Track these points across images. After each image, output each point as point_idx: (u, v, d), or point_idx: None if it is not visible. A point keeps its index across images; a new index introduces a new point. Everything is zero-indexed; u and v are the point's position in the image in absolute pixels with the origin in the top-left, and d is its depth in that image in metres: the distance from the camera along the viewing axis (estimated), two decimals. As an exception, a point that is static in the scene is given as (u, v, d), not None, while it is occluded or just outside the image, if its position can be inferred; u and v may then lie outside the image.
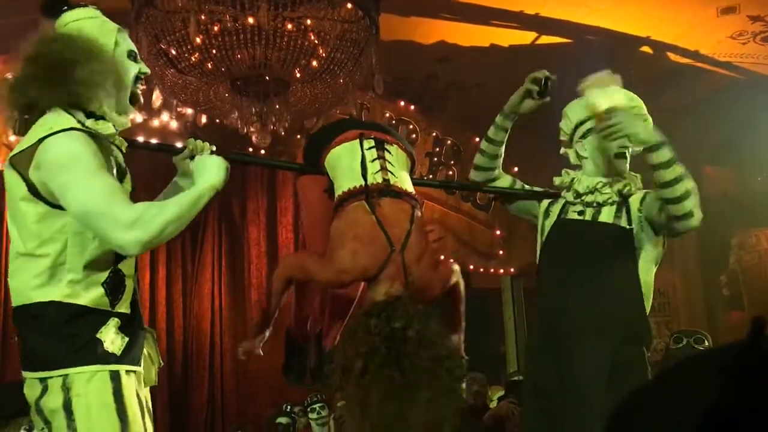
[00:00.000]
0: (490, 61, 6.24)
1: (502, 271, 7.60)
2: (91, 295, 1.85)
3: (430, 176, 6.99)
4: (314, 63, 4.57)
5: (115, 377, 1.84)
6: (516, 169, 2.85)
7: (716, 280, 7.59)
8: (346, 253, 2.40)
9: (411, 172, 2.75)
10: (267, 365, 5.49)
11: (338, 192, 2.53)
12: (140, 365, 1.94)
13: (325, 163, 2.62)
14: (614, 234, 2.55)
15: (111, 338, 1.85)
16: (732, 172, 7.18)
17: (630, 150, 2.63)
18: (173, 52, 4.44)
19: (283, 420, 5.44)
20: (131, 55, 2.05)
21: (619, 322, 2.47)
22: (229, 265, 7.05)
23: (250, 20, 4.27)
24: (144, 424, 1.88)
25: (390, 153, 2.60)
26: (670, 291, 7.58)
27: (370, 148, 2.57)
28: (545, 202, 2.75)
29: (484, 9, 5.72)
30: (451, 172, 7.22)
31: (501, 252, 7.38)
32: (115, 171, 1.91)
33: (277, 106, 4.79)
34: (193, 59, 4.47)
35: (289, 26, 4.36)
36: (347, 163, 2.56)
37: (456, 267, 2.73)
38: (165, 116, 5.77)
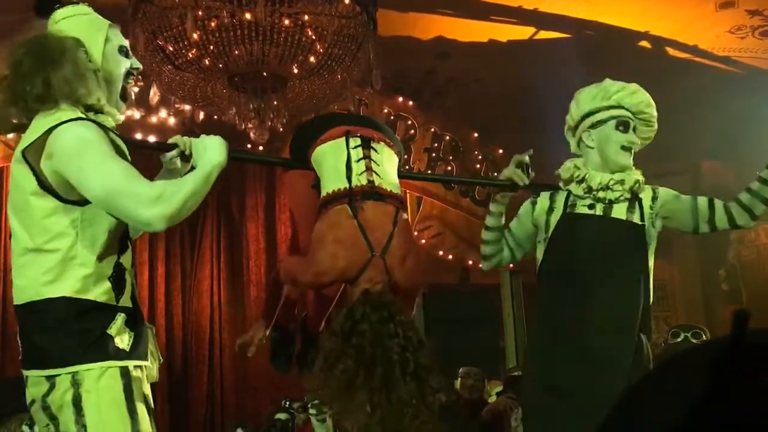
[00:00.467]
0: (489, 56, 6.23)
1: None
2: (100, 290, 1.86)
3: (429, 172, 6.99)
4: (312, 59, 4.56)
5: (125, 373, 1.85)
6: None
7: (715, 274, 7.60)
8: (325, 255, 2.41)
9: (399, 169, 2.74)
10: (266, 361, 5.48)
11: (323, 192, 2.53)
12: (147, 360, 1.95)
13: (311, 159, 2.61)
14: (631, 230, 2.55)
15: (120, 334, 1.86)
16: (730, 167, 7.18)
17: (634, 146, 2.64)
18: (170, 48, 4.43)
19: (281, 416, 5.43)
20: (122, 51, 2.06)
21: (637, 318, 2.49)
22: (228, 262, 7.05)
23: (248, 16, 4.26)
24: (150, 421, 1.89)
25: (376, 151, 2.59)
26: (668, 286, 7.59)
27: (356, 147, 2.56)
28: (543, 202, 2.72)
29: (482, 4, 5.71)
30: (449, 168, 7.22)
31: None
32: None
33: (275, 102, 4.78)
34: (191, 55, 4.46)
35: (287, 22, 4.35)
36: (332, 162, 2.55)
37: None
38: (163, 113, 5.77)
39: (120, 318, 1.88)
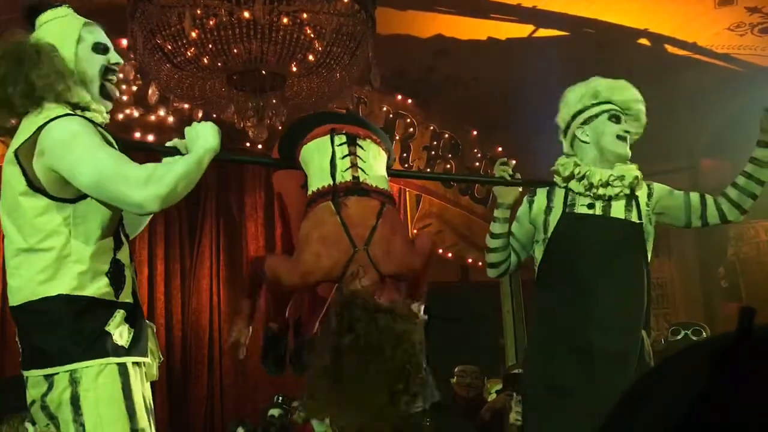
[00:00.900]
0: (488, 54, 6.23)
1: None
2: (97, 286, 1.86)
3: (428, 170, 6.98)
4: (311, 57, 4.56)
5: (124, 372, 1.85)
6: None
7: (714, 271, 7.60)
8: (309, 255, 2.42)
9: (389, 165, 2.74)
10: (266, 360, 5.49)
11: (309, 191, 2.54)
12: (147, 356, 1.95)
13: (299, 158, 2.62)
14: (630, 229, 2.56)
15: (119, 330, 1.87)
16: (730, 164, 7.17)
17: (630, 136, 2.64)
18: (169, 47, 4.43)
19: (275, 412, 5.43)
20: (98, 48, 2.04)
21: (642, 315, 2.50)
22: (228, 261, 7.05)
23: (246, 14, 4.26)
24: (148, 419, 1.89)
25: (362, 148, 2.59)
26: (668, 283, 7.59)
27: (341, 144, 2.57)
28: (540, 201, 2.71)
29: (481, 2, 5.71)
30: (448, 166, 7.21)
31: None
32: None
33: (274, 101, 4.78)
34: (189, 54, 4.46)
35: (285, 20, 4.34)
36: (318, 160, 2.56)
37: (431, 238, 2.85)
38: (161, 111, 5.76)
39: (119, 314, 1.88)
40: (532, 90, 5.52)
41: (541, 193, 2.73)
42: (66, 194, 1.85)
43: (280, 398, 5.58)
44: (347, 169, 2.52)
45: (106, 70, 2.05)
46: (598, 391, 2.38)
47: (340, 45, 4.53)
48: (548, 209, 2.68)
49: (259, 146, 5.45)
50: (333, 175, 2.49)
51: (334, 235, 2.42)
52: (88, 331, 1.83)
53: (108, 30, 2.13)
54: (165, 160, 2.12)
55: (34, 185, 1.83)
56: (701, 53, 6.38)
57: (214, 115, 5.10)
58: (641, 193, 2.61)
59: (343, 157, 2.54)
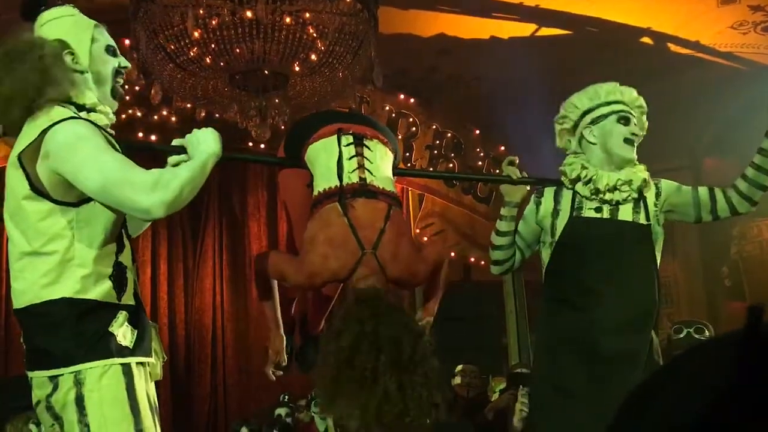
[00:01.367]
0: (490, 53, 6.22)
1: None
2: (100, 289, 1.86)
3: (431, 169, 6.98)
4: (313, 57, 4.56)
5: (128, 372, 1.85)
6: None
7: (717, 270, 7.59)
8: (316, 256, 2.40)
9: (395, 165, 2.73)
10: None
11: (315, 191, 2.52)
12: (151, 356, 1.96)
13: (305, 158, 2.60)
14: (636, 232, 2.56)
15: (122, 331, 1.87)
16: (732, 163, 7.16)
17: (637, 138, 2.64)
18: (172, 46, 4.43)
19: (281, 411, 5.45)
20: (109, 50, 2.06)
21: (651, 317, 2.49)
22: (230, 260, 7.06)
23: (249, 14, 4.26)
24: (153, 419, 1.89)
25: (369, 149, 2.57)
26: (671, 282, 7.58)
27: (348, 145, 2.54)
28: (548, 203, 2.69)
29: (483, 1, 5.71)
30: (451, 165, 7.21)
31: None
32: None
33: (277, 100, 4.78)
34: (192, 54, 4.46)
35: (288, 20, 4.35)
36: (324, 160, 2.54)
37: (443, 247, 2.80)
38: (164, 111, 5.77)
39: (122, 315, 1.88)
40: (535, 89, 5.53)
41: (549, 194, 2.71)
42: (70, 198, 1.85)
43: (287, 397, 5.59)
44: (354, 170, 2.50)
45: (116, 73, 2.06)
46: (605, 392, 2.38)
47: (343, 44, 4.53)
48: (555, 212, 2.67)
49: (262, 146, 5.46)
50: (340, 176, 2.48)
51: (341, 237, 2.41)
52: (91, 333, 1.83)
53: (111, 30, 2.13)
54: (170, 159, 2.12)
55: (38, 189, 1.83)
56: (704, 52, 6.37)
57: (217, 115, 5.11)
58: (649, 193, 2.60)
59: (350, 158, 2.52)
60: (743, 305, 7.21)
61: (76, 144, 1.80)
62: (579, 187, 2.63)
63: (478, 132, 7.41)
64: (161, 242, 6.78)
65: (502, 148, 7.38)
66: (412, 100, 7.04)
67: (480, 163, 7.41)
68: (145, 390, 1.90)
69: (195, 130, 2.01)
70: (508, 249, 2.77)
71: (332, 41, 4.51)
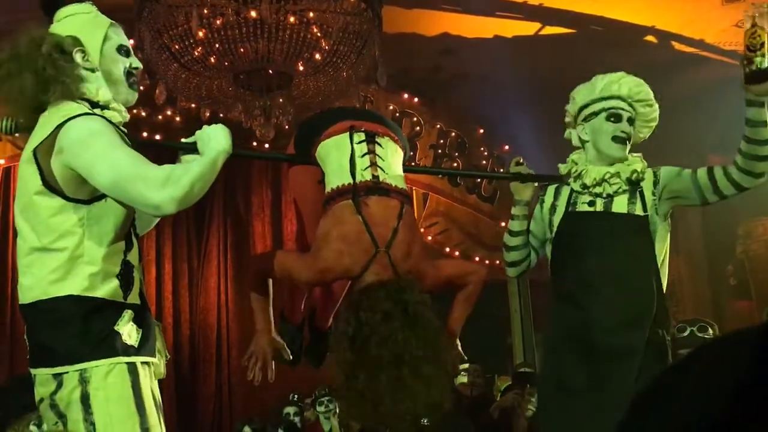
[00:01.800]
0: (494, 52, 6.22)
1: (507, 262, 7.58)
2: (107, 288, 1.87)
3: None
4: (317, 56, 4.57)
5: (133, 370, 1.85)
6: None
7: (722, 269, 7.57)
8: (329, 252, 2.40)
9: (405, 162, 2.73)
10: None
11: (327, 188, 2.52)
12: (155, 356, 1.96)
13: (316, 154, 2.61)
14: (631, 223, 2.53)
15: (128, 330, 1.87)
16: (738, 161, 7.14)
17: (631, 134, 2.62)
18: (176, 46, 4.44)
19: (290, 410, 5.45)
20: (122, 50, 2.06)
21: (649, 312, 2.47)
22: (235, 259, 7.07)
23: (253, 14, 4.27)
24: (158, 417, 1.90)
25: (381, 146, 2.57)
26: (676, 281, 7.57)
27: (360, 142, 2.54)
28: (548, 200, 2.70)
29: (487, 0, 5.71)
30: (455, 164, 7.21)
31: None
32: None
33: (281, 100, 4.79)
34: (196, 53, 4.47)
35: (292, 19, 4.35)
36: (336, 158, 2.54)
37: (474, 267, 2.81)
38: (169, 111, 5.78)
39: (127, 314, 1.89)
40: (539, 88, 5.52)
41: (550, 191, 2.73)
42: (81, 195, 1.85)
43: (296, 396, 5.59)
44: (367, 167, 2.50)
45: (128, 74, 2.07)
46: (605, 389, 2.38)
47: (347, 44, 4.54)
48: (553, 208, 2.68)
49: (266, 145, 5.46)
50: (353, 174, 2.48)
51: (355, 234, 2.40)
52: (96, 331, 1.83)
53: (115, 30, 2.14)
54: (184, 158, 2.13)
55: (50, 185, 1.84)
56: (708, 50, 6.36)
57: (221, 115, 5.12)
58: (646, 183, 2.58)
59: (363, 156, 2.51)
60: (748, 304, 7.19)
61: (89, 140, 1.81)
62: (572, 182, 2.65)
63: (482, 131, 7.41)
64: (166, 242, 6.79)
65: (507, 147, 7.38)
66: (415, 100, 7.05)
67: (484, 162, 7.40)
68: (150, 388, 1.90)
69: (205, 127, 2.02)
70: (523, 249, 2.77)
71: (336, 41, 4.51)
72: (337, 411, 5.15)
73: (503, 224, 7.45)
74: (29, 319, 1.90)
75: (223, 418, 6.74)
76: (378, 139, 2.57)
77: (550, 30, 6.06)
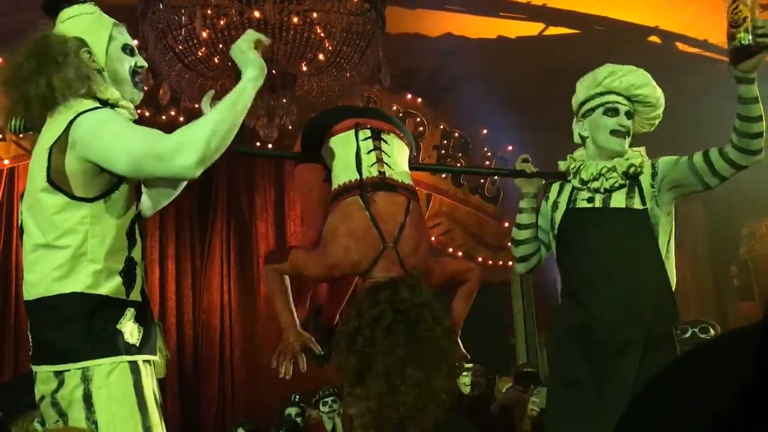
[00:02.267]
0: (498, 52, 6.22)
1: (510, 263, 7.59)
2: (110, 285, 1.87)
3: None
4: (321, 56, 4.57)
5: (135, 369, 1.86)
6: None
7: (726, 270, 7.56)
8: (337, 248, 2.41)
9: (410, 159, 2.73)
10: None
11: (334, 185, 2.53)
12: (156, 354, 1.97)
13: (322, 152, 2.61)
14: (630, 218, 2.53)
15: (129, 329, 1.88)
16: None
17: (630, 128, 2.61)
18: (179, 47, 4.45)
19: (292, 410, 5.45)
20: (126, 49, 2.08)
21: (651, 306, 2.47)
22: (238, 259, 7.07)
23: (256, 14, 4.28)
24: (159, 416, 1.90)
25: (387, 143, 2.58)
26: (680, 281, 7.54)
27: (365, 139, 2.55)
28: (551, 196, 2.72)
29: (491, 0, 5.71)
30: (459, 165, 7.21)
31: (509, 244, 7.36)
32: None
33: (284, 100, 4.79)
34: (200, 54, 4.48)
35: (295, 20, 4.36)
36: (342, 155, 2.55)
37: (472, 264, 2.80)
38: (172, 111, 5.78)
39: (129, 313, 1.89)
40: (543, 88, 5.52)
41: (554, 188, 2.74)
42: (90, 192, 1.86)
43: (298, 397, 5.59)
44: (373, 164, 2.51)
45: (133, 72, 2.08)
46: (608, 384, 2.38)
47: (350, 44, 4.54)
48: (555, 205, 2.69)
49: (270, 145, 5.47)
50: (359, 170, 2.49)
51: (362, 229, 2.41)
52: (99, 329, 1.84)
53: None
54: (205, 100, 2.15)
55: (54, 182, 1.85)
56: (712, 50, 6.35)
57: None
58: (644, 176, 2.57)
59: (369, 152, 2.53)
60: (752, 305, 7.18)
61: (98, 130, 1.83)
62: (572, 178, 2.65)
63: (485, 131, 7.40)
64: (169, 242, 6.80)
65: (510, 147, 7.37)
66: (419, 100, 7.05)
67: (487, 162, 7.40)
68: (152, 387, 1.91)
69: (235, 43, 2.02)
70: (533, 242, 2.77)
71: (340, 41, 4.52)
72: (341, 411, 5.15)
73: (506, 225, 7.47)
74: (33, 316, 1.91)
75: (226, 418, 6.74)
76: (384, 136, 2.59)
77: (553, 30, 6.06)
